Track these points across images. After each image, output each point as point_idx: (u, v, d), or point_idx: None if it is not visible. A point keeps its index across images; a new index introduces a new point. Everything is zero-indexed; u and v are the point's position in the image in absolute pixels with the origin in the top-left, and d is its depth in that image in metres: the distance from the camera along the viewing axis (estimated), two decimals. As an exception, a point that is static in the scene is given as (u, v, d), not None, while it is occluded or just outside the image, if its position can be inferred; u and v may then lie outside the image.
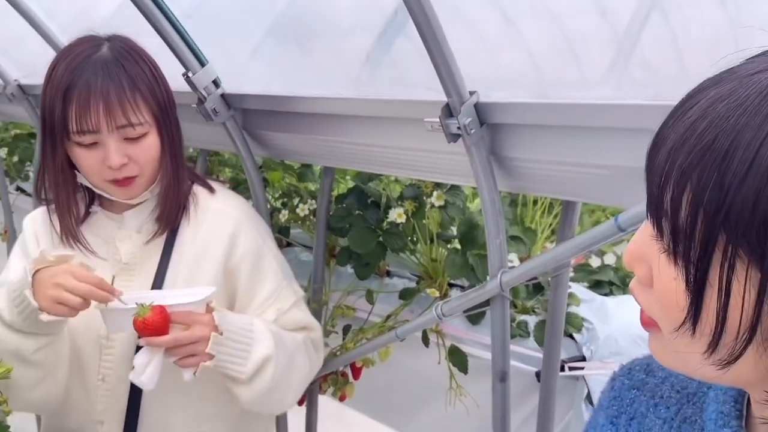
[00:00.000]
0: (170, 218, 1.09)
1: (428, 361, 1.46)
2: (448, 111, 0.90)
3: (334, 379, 1.48)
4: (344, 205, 1.50)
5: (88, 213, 1.14)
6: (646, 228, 0.44)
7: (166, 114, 1.06)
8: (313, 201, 1.56)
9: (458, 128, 0.88)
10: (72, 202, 1.09)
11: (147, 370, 0.95)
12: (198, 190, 1.15)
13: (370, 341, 1.38)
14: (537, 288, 1.44)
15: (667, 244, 0.41)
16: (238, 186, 1.82)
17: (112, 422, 1.08)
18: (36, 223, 1.16)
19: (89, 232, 1.13)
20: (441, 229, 1.39)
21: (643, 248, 0.45)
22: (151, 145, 1.04)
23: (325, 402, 1.57)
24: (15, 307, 0.95)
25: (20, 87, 1.91)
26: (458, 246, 1.39)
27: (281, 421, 1.53)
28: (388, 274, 1.67)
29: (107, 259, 1.11)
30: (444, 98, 0.92)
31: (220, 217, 1.12)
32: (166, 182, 1.08)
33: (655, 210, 0.42)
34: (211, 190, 1.17)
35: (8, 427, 0.75)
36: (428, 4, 0.81)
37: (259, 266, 1.11)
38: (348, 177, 1.74)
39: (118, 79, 0.99)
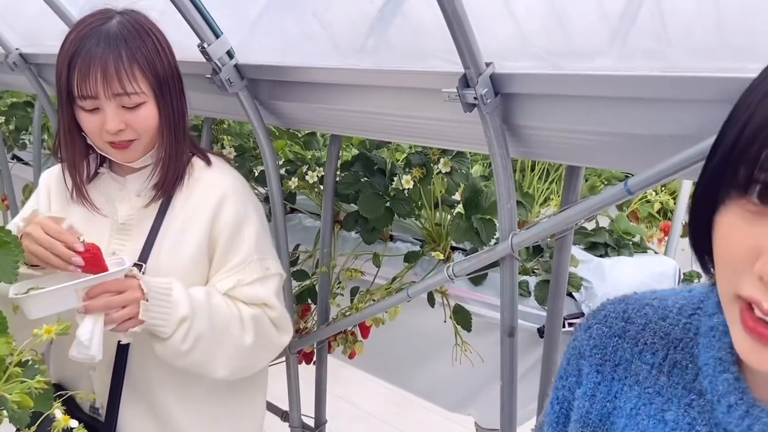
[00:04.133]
0: (167, 186, 1.16)
1: (432, 321, 1.53)
2: (465, 81, 0.94)
3: (343, 338, 1.55)
4: (351, 172, 1.56)
5: (97, 173, 1.22)
6: (754, 221, 0.41)
7: (166, 86, 1.10)
8: (320, 168, 1.61)
9: (475, 98, 0.94)
10: (79, 161, 1.17)
11: (93, 343, 0.99)
12: (195, 161, 1.21)
13: (378, 302, 1.45)
14: (537, 250, 1.52)
15: None
16: (244, 154, 1.86)
17: (101, 370, 1.18)
18: (51, 178, 1.25)
19: (96, 190, 1.21)
20: (446, 194, 1.45)
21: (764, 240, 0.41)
22: (147, 114, 1.09)
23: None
24: None
25: (22, 56, 1.92)
26: (462, 211, 1.45)
27: (293, 379, 1.61)
28: (392, 238, 1.74)
29: (108, 217, 1.19)
30: (459, 69, 0.97)
31: (210, 188, 1.17)
32: (164, 151, 1.14)
33: None
34: (208, 162, 1.22)
35: (51, 387, 0.80)
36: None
37: (236, 237, 1.16)
38: (352, 145, 1.79)
39: (117, 50, 1.05)
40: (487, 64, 0.93)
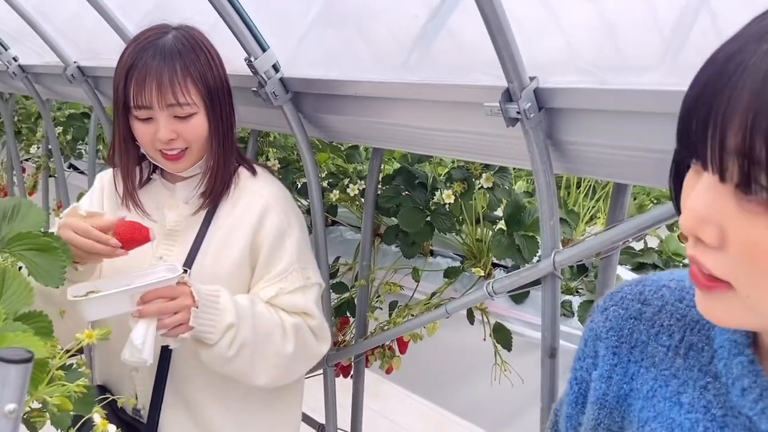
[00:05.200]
0: (215, 195, 1.19)
1: (471, 338, 1.51)
2: (508, 95, 0.93)
3: (381, 352, 1.54)
4: (392, 186, 1.55)
5: (149, 179, 1.26)
6: (711, 188, 0.43)
7: (216, 98, 1.15)
8: (362, 181, 1.61)
9: (518, 113, 0.92)
10: (132, 168, 1.21)
11: (145, 347, 1.01)
12: (242, 171, 1.25)
13: (417, 317, 1.44)
14: (581, 269, 1.48)
15: (764, 195, 0.40)
16: (288, 166, 1.88)
17: (144, 370, 1.20)
18: (104, 181, 1.31)
19: (146, 196, 1.24)
20: (488, 210, 1.43)
21: (711, 209, 0.43)
22: (198, 124, 1.13)
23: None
24: None
25: (80, 69, 1.99)
26: (503, 227, 1.43)
27: (330, 392, 1.60)
28: (432, 253, 1.72)
29: (157, 222, 1.22)
30: (502, 83, 0.96)
31: (254, 198, 1.20)
32: (213, 161, 1.18)
33: (744, 162, 0.40)
34: (253, 172, 1.26)
35: (94, 388, 0.82)
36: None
37: (278, 247, 1.19)
38: (394, 158, 1.79)
39: (172, 63, 1.10)
40: (531, 79, 0.92)
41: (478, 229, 1.51)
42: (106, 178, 1.30)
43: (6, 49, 2.33)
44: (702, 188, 0.44)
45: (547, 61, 0.96)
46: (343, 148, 1.90)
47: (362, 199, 1.60)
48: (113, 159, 1.23)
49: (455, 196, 1.39)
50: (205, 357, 1.10)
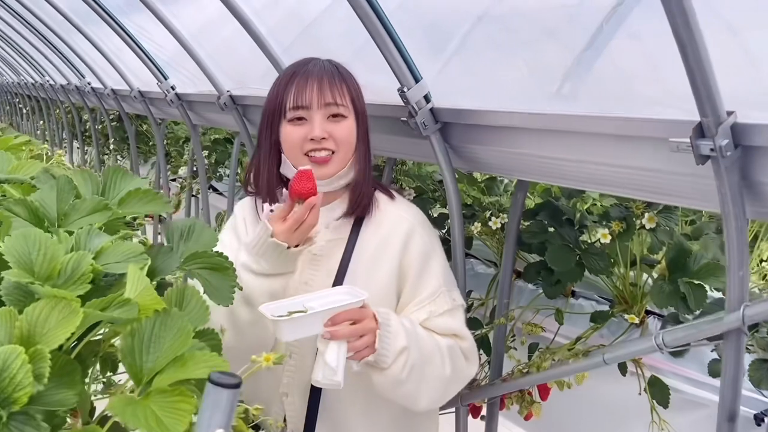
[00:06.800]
0: (359, 210, 1.19)
1: (619, 392, 1.39)
2: (700, 131, 0.85)
3: (519, 396, 1.46)
4: (537, 221, 1.48)
5: None
6: None
7: (360, 117, 1.19)
8: (503, 214, 1.56)
9: (711, 150, 0.84)
10: (276, 184, 1.22)
11: (339, 369, 0.99)
12: (379, 195, 1.25)
13: (560, 362, 1.35)
14: (752, 325, 1.32)
15: None
16: (421, 195, 1.86)
17: (295, 395, 1.19)
18: (245, 209, 1.32)
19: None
20: (649, 252, 1.32)
21: None
22: (348, 127, 1.17)
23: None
24: (261, 255, 1.09)
25: (231, 97, 2.12)
26: (665, 272, 1.31)
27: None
28: (573, 294, 1.63)
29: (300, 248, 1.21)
30: (683, 117, 0.88)
31: (397, 221, 1.21)
32: (355, 177, 1.19)
33: None
34: (391, 196, 1.26)
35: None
36: (693, 16, 0.77)
37: (425, 269, 1.18)
38: (535, 193, 1.72)
39: (330, 71, 1.18)
40: (729, 113, 0.83)
41: (631, 273, 1.40)
42: (246, 206, 1.31)
43: (165, 79, 2.53)
44: None
45: (746, 95, 0.87)
46: (480, 180, 1.86)
47: (502, 233, 1.55)
48: (248, 185, 1.26)
49: (612, 235, 1.30)
50: (377, 381, 1.08)
